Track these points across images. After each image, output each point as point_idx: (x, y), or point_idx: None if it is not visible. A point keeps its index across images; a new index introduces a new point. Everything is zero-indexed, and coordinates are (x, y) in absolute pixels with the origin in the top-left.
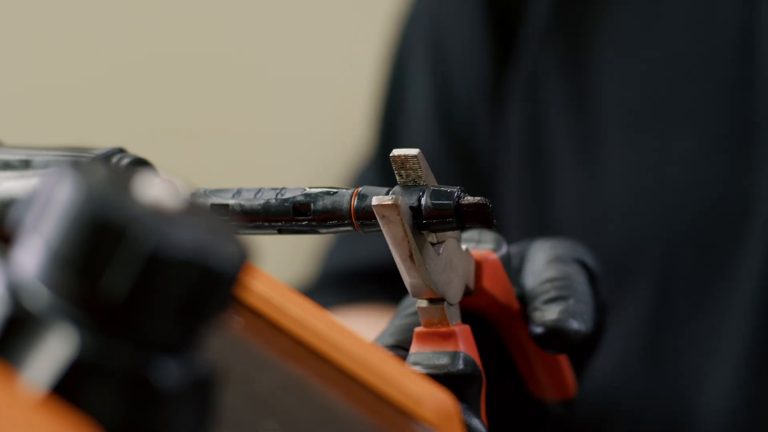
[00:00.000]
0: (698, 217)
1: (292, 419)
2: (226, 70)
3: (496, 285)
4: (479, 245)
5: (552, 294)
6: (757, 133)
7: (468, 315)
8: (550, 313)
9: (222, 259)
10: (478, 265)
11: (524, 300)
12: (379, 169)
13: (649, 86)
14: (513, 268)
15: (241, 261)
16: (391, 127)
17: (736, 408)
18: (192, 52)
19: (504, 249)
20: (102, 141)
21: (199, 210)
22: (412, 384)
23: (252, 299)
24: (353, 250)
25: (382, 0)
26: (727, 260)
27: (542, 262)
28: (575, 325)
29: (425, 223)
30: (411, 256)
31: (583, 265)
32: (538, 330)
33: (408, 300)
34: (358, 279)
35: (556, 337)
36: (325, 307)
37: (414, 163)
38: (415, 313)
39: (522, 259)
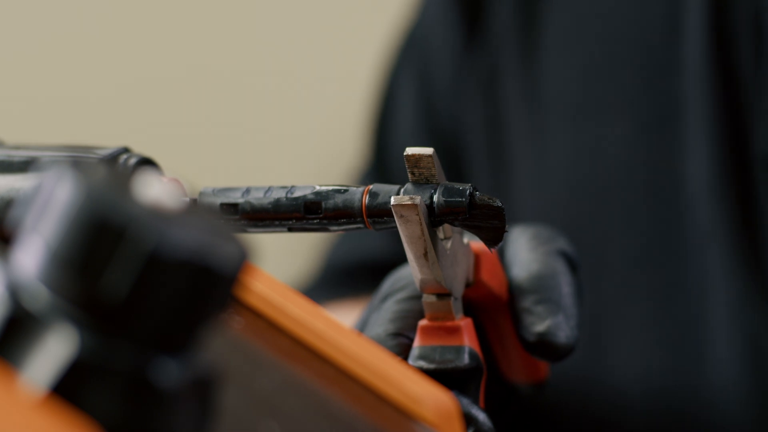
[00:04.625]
0: (633, 200)
1: (292, 419)
2: (229, 69)
3: (492, 277)
4: (475, 237)
5: (543, 294)
6: (684, 115)
7: None
8: (542, 324)
9: (222, 259)
10: (477, 258)
11: (511, 289)
12: (375, 180)
13: (588, 77)
14: None
15: (241, 261)
16: (382, 138)
17: (657, 381)
18: (197, 52)
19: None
20: (106, 141)
21: (199, 210)
22: (412, 384)
23: (252, 299)
24: (356, 246)
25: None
26: (664, 240)
27: (526, 252)
28: (564, 339)
29: (438, 220)
30: (425, 254)
31: (564, 254)
32: (531, 338)
33: (391, 284)
34: (356, 274)
35: (546, 348)
36: (326, 300)
37: (428, 162)
38: (410, 299)
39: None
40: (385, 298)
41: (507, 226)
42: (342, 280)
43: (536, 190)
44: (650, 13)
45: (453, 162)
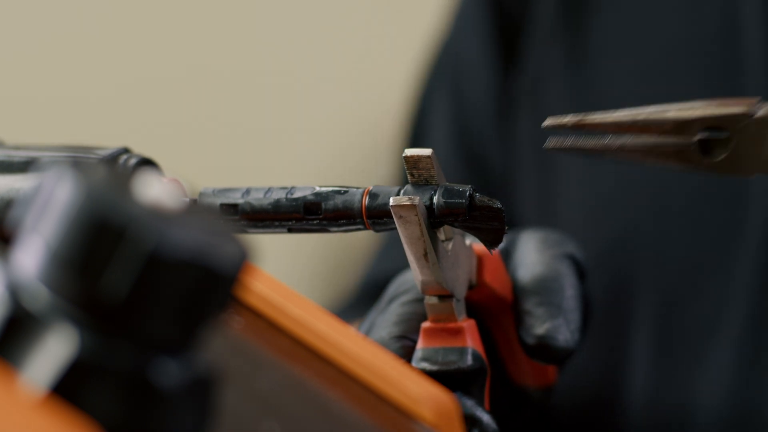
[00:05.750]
0: (693, 201)
1: (292, 419)
2: (229, 69)
3: (495, 279)
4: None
5: (545, 297)
6: None
7: None
8: (542, 327)
9: (222, 259)
10: (480, 260)
11: (515, 291)
12: None
13: (643, 79)
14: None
15: (241, 261)
16: None
17: (735, 393)
18: (197, 52)
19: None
20: (106, 141)
21: (200, 210)
22: (412, 384)
23: (252, 299)
24: (395, 261)
25: (390, 8)
26: (724, 243)
27: (533, 254)
28: (563, 342)
29: (438, 221)
30: (425, 255)
31: (571, 258)
32: (530, 341)
33: (396, 287)
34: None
35: (545, 350)
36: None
37: (427, 163)
38: (413, 302)
39: (510, 247)
40: (390, 301)
41: (506, 228)
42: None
43: (588, 201)
44: (705, 12)
45: (486, 180)
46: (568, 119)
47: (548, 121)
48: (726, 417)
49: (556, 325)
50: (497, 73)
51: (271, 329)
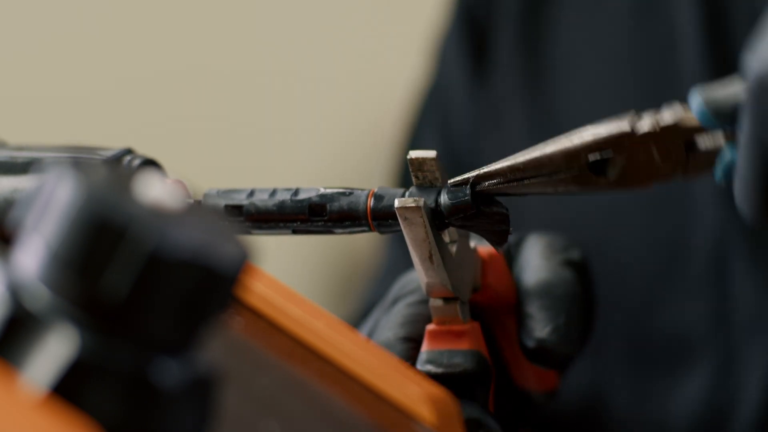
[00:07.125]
0: (643, 218)
1: (292, 419)
2: (235, 71)
3: (499, 281)
4: (482, 240)
5: (547, 301)
6: None
7: None
8: (542, 330)
9: (222, 259)
10: (484, 262)
11: (518, 294)
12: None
13: (595, 95)
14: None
15: (242, 261)
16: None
17: (709, 404)
18: (203, 54)
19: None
20: (110, 142)
21: (200, 210)
22: (412, 384)
23: (252, 299)
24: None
25: (387, 8)
26: (675, 255)
27: (538, 259)
28: (564, 348)
29: (446, 222)
30: (430, 256)
31: (577, 264)
32: (530, 344)
33: (401, 287)
34: None
35: (545, 354)
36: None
37: (431, 165)
38: (419, 302)
39: (514, 250)
40: (395, 301)
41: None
42: None
43: (552, 215)
44: (647, 28)
45: None
46: (467, 175)
47: (450, 180)
48: (701, 427)
49: (557, 329)
50: (479, 102)
51: (271, 329)
